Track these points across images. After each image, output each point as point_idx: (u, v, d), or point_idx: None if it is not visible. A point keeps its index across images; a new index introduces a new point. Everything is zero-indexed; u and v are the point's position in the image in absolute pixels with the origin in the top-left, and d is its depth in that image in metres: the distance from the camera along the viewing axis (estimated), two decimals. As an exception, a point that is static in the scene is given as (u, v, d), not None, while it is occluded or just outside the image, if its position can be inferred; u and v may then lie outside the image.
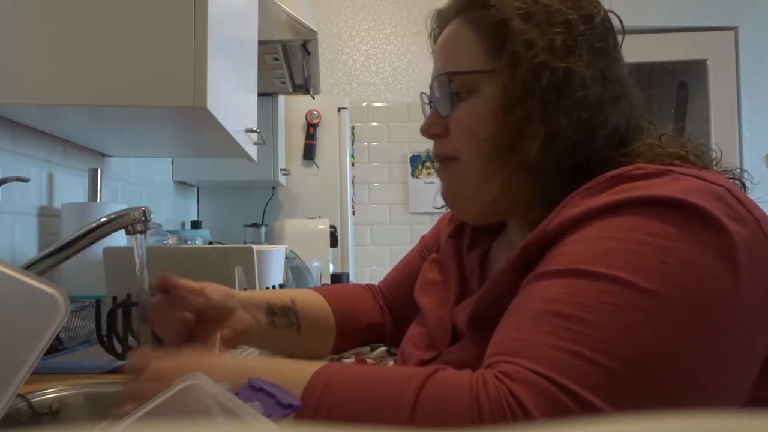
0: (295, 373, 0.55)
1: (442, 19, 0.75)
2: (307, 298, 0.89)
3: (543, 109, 0.61)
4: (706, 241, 0.50)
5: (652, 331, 0.47)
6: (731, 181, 0.59)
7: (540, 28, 0.62)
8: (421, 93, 0.79)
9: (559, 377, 0.46)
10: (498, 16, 0.64)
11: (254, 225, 2.67)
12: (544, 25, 0.63)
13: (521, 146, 0.62)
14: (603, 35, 0.65)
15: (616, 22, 0.68)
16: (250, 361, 0.62)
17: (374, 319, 0.92)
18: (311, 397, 0.51)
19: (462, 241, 0.80)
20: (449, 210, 0.80)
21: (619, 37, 0.68)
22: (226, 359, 0.63)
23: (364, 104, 3.42)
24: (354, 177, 3.20)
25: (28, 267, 0.79)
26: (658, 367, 0.47)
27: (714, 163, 0.63)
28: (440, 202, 0.78)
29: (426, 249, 0.92)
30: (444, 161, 0.72)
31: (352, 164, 3.10)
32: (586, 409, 0.45)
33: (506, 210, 0.70)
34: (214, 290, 0.76)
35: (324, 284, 2.25)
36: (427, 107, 0.75)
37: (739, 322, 0.49)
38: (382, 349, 0.91)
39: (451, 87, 0.68)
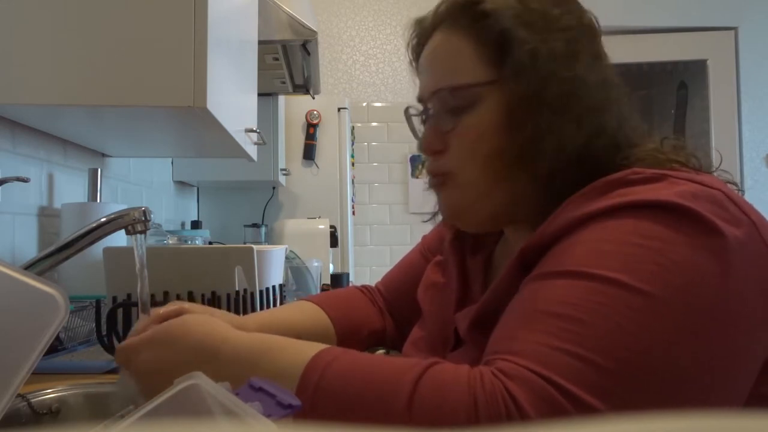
0: (295, 354, 0.55)
1: (423, 28, 0.71)
2: (310, 325, 0.85)
3: (553, 120, 0.60)
4: (699, 243, 0.50)
5: (646, 331, 0.48)
6: (728, 184, 0.59)
7: (541, 36, 0.61)
8: (407, 107, 0.75)
9: (555, 376, 0.46)
10: (496, 26, 0.62)
11: (254, 225, 2.67)
12: (544, 33, 0.61)
13: (531, 159, 0.61)
14: (593, 36, 0.65)
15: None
16: (251, 337, 0.60)
17: (375, 325, 0.92)
18: (310, 380, 0.52)
19: (465, 245, 0.79)
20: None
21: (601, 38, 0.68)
22: (229, 331, 0.61)
23: (364, 104, 3.42)
24: (354, 177, 3.20)
25: (28, 267, 0.78)
26: (652, 366, 0.47)
27: (713, 168, 0.63)
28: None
29: (428, 249, 0.91)
30: (439, 176, 0.69)
31: (352, 164, 3.10)
32: (580, 407, 0.45)
33: (511, 218, 0.69)
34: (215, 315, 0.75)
35: (324, 284, 2.25)
36: (415, 119, 0.72)
37: (733, 322, 0.50)
38: (381, 352, 0.91)
39: (452, 101, 0.65)
